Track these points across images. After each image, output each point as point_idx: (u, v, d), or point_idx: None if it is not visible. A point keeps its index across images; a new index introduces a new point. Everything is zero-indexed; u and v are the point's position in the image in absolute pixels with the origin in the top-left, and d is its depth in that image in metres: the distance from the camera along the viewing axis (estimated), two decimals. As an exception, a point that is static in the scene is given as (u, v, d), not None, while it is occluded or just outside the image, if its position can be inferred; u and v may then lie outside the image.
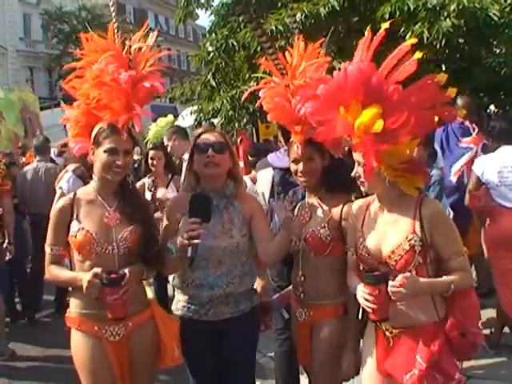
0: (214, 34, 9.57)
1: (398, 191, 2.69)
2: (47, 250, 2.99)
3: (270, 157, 4.26)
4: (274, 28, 7.96)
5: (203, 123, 10.00)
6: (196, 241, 2.75)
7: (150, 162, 5.94)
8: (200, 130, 3.25)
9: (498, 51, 8.75)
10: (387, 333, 2.68)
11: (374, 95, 2.52)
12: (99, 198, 2.99)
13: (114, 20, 3.02)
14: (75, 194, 3.01)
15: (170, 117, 8.23)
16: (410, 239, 2.62)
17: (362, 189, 2.76)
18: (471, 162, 5.34)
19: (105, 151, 2.89)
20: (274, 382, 4.17)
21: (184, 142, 6.33)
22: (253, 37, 8.09)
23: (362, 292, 2.61)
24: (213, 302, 3.06)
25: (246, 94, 3.19)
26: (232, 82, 9.75)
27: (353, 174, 2.72)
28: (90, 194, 3.01)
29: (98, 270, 2.76)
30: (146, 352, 3.00)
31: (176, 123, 11.35)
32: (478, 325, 2.68)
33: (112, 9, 3.05)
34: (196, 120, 10.40)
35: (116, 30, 3.00)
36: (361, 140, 2.56)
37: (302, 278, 3.12)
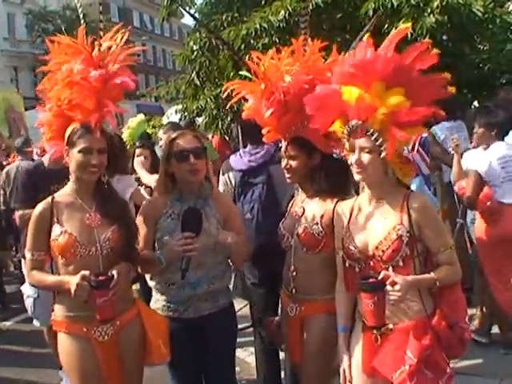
0: (197, 33, 9.52)
1: (391, 183, 2.70)
2: (27, 255, 2.97)
3: (231, 158, 4.31)
4: (258, 26, 7.91)
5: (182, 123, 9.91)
6: (190, 253, 2.91)
7: (136, 160, 5.86)
8: (174, 135, 3.24)
9: (481, 48, 8.76)
10: (375, 331, 2.66)
11: (401, 78, 2.53)
12: (78, 199, 2.98)
13: (100, 18, 3.12)
14: (53, 198, 2.98)
15: (141, 116, 8.14)
16: (398, 229, 2.61)
17: (357, 177, 2.71)
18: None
19: (79, 151, 2.89)
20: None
21: None
22: (237, 35, 8.05)
23: (361, 300, 2.60)
24: (193, 300, 3.13)
25: (226, 93, 3.21)
26: (216, 80, 9.70)
27: (353, 162, 2.66)
28: (69, 197, 2.99)
29: (85, 272, 2.74)
30: (134, 350, 3.01)
31: (161, 122, 11.32)
32: (465, 319, 2.69)
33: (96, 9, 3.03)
34: (180, 119, 10.35)
35: (101, 29, 3.01)
36: (383, 121, 2.55)
37: (294, 274, 3.12)
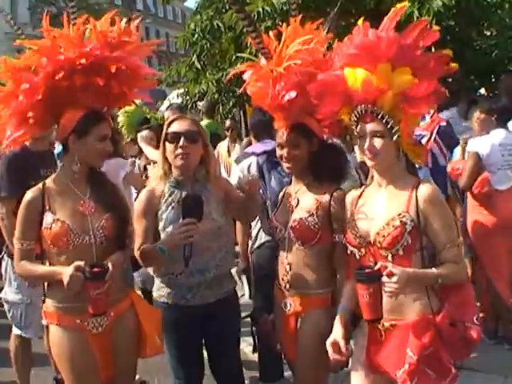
0: (198, 15, 9.38)
1: (401, 168, 2.61)
2: (16, 245, 2.86)
3: (249, 148, 4.28)
4: (260, 10, 7.78)
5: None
6: (190, 239, 2.81)
7: (140, 136, 5.79)
8: (171, 118, 3.19)
9: (489, 34, 8.63)
10: (379, 326, 2.56)
11: (405, 57, 2.46)
12: (71, 186, 2.88)
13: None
14: (44, 184, 2.88)
15: (137, 100, 8.04)
16: (402, 217, 2.49)
17: (370, 164, 2.59)
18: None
19: (96, 139, 2.81)
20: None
21: None
22: (239, 18, 7.91)
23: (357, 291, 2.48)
24: (200, 287, 3.06)
25: (229, 76, 3.08)
26: (218, 64, 9.58)
27: (366, 147, 2.54)
28: (62, 183, 2.89)
29: (80, 262, 2.64)
30: (128, 341, 2.93)
31: (162, 106, 11.18)
32: (473, 319, 2.53)
33: None
34: (182, 103, 10.24)
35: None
36: (394, 101, 2.48)
37: (288, 268, 3.01)
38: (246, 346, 4.34)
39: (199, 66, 9.55)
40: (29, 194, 2.85)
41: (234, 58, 8.48)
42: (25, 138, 2.94)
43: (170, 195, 3.09)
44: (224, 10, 8.72)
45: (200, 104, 10.01)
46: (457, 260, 2.53)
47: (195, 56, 9.41)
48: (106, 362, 2.89)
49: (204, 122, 8.29)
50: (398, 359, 2.49)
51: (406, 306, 2.52)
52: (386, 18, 2.51)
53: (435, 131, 5.21)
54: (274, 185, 3.81)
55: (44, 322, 2.89)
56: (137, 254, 3.06)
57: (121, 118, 7.83)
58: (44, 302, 2.90)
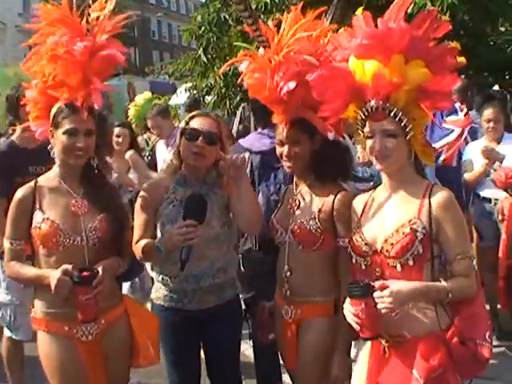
0: (206, 8, 9.25)
1: (411, 170, 2.43)
2: (6, 244, 2.76)
3: (245, 141, 3.99)
4: (268, 1, 7.61)
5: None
6: (190, 242, 2.67)
7: (115, 139, 5.64)
8: (194, 114, 3.02)
9: (504, 29, 8.45)
10: (383, 341, 2.39)
11: (418, 49, 2.28)
12: (64, 184, 2.76)
13: None
14: (36, 182, 2.77)
15: (148, 93, 8.01)
16: (413, 223, 2.32)
17: (380, 166, 2.41)
18: (454, 145, 5.04)
19: (64, 133, 2.67)
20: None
21: (169, 120, 5.99)
22: (249, 10, 7.78)
23: (348, 308, 2.31)
24: (197, 293, 2.95)
25: (224, 66, 2.92)
26: (227, 57, 9.42)
27: (376, 148, 2.37)
28: (54, 181, 2.78)
29: (67, 266, 2.55)
30: (120, 351, 2.83)
31: (172, 100, 11.08)
32: (485, 336, 2.34)
33: None
34: (189, 97, 10.12)
35: None
36: (409, 97, 2.32)
37: (289, 274, 2.86)
38: (248, 348, 4.24)
39: (205, 60, 9.39)
40: (20, 192, 2.76)
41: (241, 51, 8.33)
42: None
43: (173, 192, 2.96)
44: (232, 3, 8.58)
45: (208, 98, 9.89)
46: (468, 273, 2.35)
47: (201, 49, 9.26)
48: (96, 371, 2.77)
49: None
50: (400, 379, 2.33)
51: (412, 321, 2.35)
52: (392, 6, 2.32)
53: (466, 130, 5.07)
54: (260, 200, 3.54)
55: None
56: (134, 247, 2.93)
57: (131, 112, 7.77)
58: (33, 306, 2.79)
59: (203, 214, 2.75)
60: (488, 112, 4.96)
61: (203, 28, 9.04)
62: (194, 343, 3.05)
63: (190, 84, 10.66)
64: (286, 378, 3.78)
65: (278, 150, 2.90)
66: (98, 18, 2.70)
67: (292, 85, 2.61)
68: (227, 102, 9.65)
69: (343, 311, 2.38)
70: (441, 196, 2.35)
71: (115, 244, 2.78)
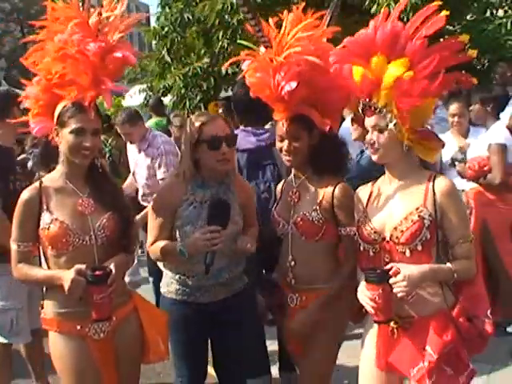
0: (167, 8, 9.19)
1: (411, 162, 2.57)
2: (13, 246, 2.71)
3: None
4: (234, 1, 7.61)
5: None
6: (216, 247, 2.72)
7: None
8: (203, 119, 2.94)
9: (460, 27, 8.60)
10: (392, 323, 2.51)
11: (401, 49, 2.41)
12: (69, 184, 2.74)
13: None
14: (41, 183, 2.74)
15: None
16: (420, 211, 2.46)
17: (374, 158, 2.57)
18: None
19: (71, 132, 2.64)
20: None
21: (138, 126, 5.72)
22: (211, 10, 7.76)
23: (364, 292, 2.44)
24: (213, 287, 2.99)
25: (227, 64, 2.96)
26: (183, 58, 9.40)
27: (367, 141, 2.54)
28: (59, 181, 2.75)
29: (81, 266, 2.53)
30: (131, 347, 2.82)
31: (123, 102, 10.99)
32: (487, 313, 2.52)
33: None
34: (145, 98, 10.06)
35: None
36: (388, 95, 2.43)
37: (293, 263, 2.97)
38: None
39: (169, 60, 9.33)
40: (25, 194, 2.72)
41: (202, 51, 8.34)
42: None
43: (192, 193, 2.95)
44: (195, 3, 8.57)
45: (165, 99, 9.85)
46: (469, 255, 2.51)
47: (165, 49, 9.19)
48: (108, 369, 2.77)
49: (153, 120, 8.04)
50: (412, 357, 2.46)
51: (420, 301, 2.49)
52: (417, 13, 2.44)
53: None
54: (261, 186, 3.64)
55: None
56: (149, 248, 2.96)
57: None
58: (42, 307, 2.76)
59: (227, 219, 2.79)
60: (453, 107, 5.17)
61: (167, 28, 9.00)
62: (204, 336, 3.08)
63: (144, 86, 10.58)
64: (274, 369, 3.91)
65: (278, 144, 2.99)
66: (108, 17, 2.71)
67: (293, 85, 2.71)
68: (187, 103, 9.61)
69: (356, 295, 2.51)
70: (444, 184, 2.50)
71: (122, 241, 2.79)
